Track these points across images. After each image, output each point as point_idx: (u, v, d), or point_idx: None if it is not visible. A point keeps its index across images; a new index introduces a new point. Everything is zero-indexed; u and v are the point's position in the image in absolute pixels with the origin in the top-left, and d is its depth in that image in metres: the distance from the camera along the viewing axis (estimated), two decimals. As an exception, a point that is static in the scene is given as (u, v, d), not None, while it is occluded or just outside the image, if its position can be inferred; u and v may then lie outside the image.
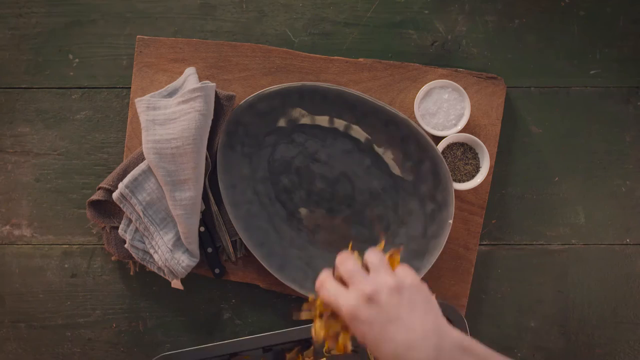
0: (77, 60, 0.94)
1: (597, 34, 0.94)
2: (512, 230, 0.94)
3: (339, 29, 0.94)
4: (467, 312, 0.92)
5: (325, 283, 0.58)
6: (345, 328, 0.59)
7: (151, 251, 0.87)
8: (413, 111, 0.90)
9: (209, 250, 0.89)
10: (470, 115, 0.90)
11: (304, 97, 0.88)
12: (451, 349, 0.54)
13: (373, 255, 0.58)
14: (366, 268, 0.58)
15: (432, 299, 0.58)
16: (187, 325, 0.94)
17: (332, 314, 0.59)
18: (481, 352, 0.55)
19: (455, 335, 0.55)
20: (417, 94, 0.89)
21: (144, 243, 0.88)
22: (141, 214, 0.86)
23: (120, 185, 0.86)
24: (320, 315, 0.61)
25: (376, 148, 0.89)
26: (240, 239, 0.90)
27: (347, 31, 0.94)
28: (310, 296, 0.63)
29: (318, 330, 0.60)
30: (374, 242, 0.90)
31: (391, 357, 0.54)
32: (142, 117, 0.86)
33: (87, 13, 0.94)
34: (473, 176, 0.89)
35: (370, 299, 0.54)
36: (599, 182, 0.94)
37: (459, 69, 0.91)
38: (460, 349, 0.54)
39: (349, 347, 0.60)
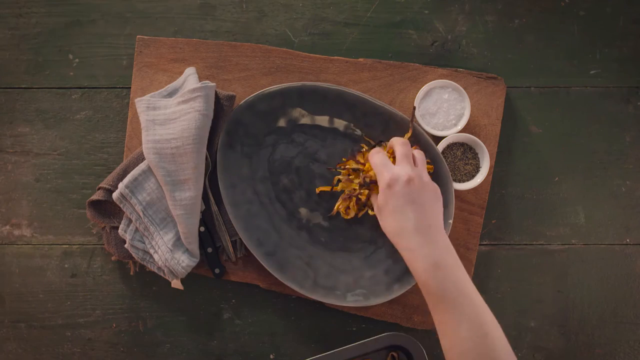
0: (77, 60, 0.94)
1: (597, 34, 0.94)
2: (512, 230, 0.94)
3: (339, 29, 0.94)
4: (467, 312, 0.92)
5: (376, 156, 0.76)
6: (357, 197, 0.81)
7: (151, 251, 0.87)
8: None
9: (209, 250, 0.89)
10: (470, 115, 0.90)
11: (304, 97, 0.88)
12: (440, 246, 0.70)
13: (419, 152, 0.78)
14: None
15: (440, 203, 0.74)
16: (187, 325, 0.94)
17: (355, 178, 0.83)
18: (458, 261, 0.70)
19: (446, 239, 0.72)
20: (417, 94, 0.89)
21: (144, 243, 0.88)
22: (141, 214, 0.86)
23: (120, 185, 0.86)
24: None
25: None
26: (240, 239, 0.90)
27: (347, 31, 0.94)
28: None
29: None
30: (374, 241, 0.90)
31: (394, 228, 0.71)
32: (142, 117, 0.86)
33: (87, 13, 0.94)
34: (473, 176, 0.89)
35: (409, 181, 0.71)
36: (599, 182, 0.94)
37: (459, 69, 0.91)
38: (446, 249, 0.70)
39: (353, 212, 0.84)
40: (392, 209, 0.72)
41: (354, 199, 0.84)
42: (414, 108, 0.86)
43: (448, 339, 0.68)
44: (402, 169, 0.73)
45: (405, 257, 0.72)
